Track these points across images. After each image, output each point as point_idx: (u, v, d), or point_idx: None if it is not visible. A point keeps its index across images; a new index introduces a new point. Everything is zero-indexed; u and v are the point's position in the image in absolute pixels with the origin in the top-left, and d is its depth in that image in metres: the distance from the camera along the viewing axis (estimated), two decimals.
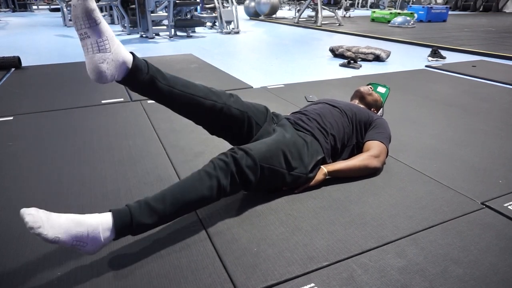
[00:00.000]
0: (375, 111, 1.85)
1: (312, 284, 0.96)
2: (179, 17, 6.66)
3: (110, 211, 0.99)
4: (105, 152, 1.74)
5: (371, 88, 1.86)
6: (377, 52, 4.16)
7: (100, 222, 0.95)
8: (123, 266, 1.01)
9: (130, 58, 1.11)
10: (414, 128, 2.08)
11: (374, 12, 9.41)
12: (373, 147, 1.52)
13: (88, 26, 1.02)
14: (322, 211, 1.28)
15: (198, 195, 1.09)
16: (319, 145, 1.44)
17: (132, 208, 1.01)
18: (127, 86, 1.16)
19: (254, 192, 1.36)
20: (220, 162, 1.15)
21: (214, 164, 1.15)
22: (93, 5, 1.00)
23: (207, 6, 7.69)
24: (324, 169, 1.42)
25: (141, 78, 1.14)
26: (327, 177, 1.43)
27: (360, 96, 1.83)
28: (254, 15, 10.23)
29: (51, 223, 0.87)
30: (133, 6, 6.05)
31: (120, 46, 1.08)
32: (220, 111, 1.30)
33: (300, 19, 8.90)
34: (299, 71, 3.66)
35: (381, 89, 1.91)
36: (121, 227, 0.98)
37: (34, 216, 0.85)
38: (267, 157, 1.22)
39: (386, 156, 1.58)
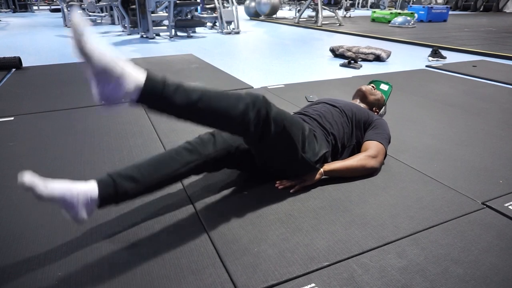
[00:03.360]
0: (376, 110, 1.85)
1: (313, 284, 0.96)
2: (180, 17, 6.66)
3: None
4: (105, 152, 1.74)
5: (373, 87, 1.86)
6: (378, 52, 4.16)
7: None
8: (123, 266, 1.01)
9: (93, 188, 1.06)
10: (414, 128, 2.08)
11: (374, 12, 9.41)
12: (371, 147, 1.52)
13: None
14: (323, 211, 1.28)
15: (225, 107, 1.09)
16: (323, 139, 1.44)
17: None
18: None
19: (263, 169, 1.37)
20: (253, 97, 1.15)
21: (250, 95, 1.15)
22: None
23: (207, 6, 7.69)
24: (321, 168, 1.42)
25: (113, 201, 1.10)
26: (324, 176, 1.43)
27: (362, 95, 1.82)
28: (254, 15, 10.23)
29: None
30: (134, 6, 6.06)
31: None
32: (205, 164, 1.27)
33: (300, 19, 8.90)
34: (299, 71, 3.66)
35: (384, 87, 1.90)
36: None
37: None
38: (291, 124, 1.25)
39: (385, 157, 1.58)
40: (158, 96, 1.01)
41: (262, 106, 1.14)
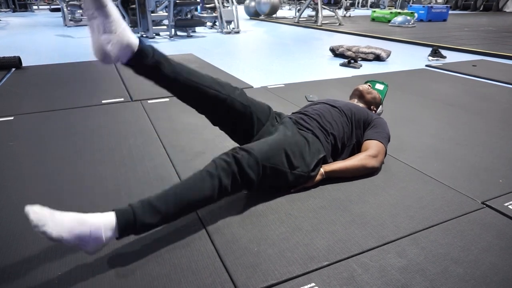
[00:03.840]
0: (374, 109, 1.85)
1: (313, 284, 0.96)
2: (180, 17, 6.66)
3: (113, 210, 0.99)
4: (105, 152, 1.74)
5: (369, 86, 1.86)
6: (378, 51, 4.16)
7: (102, 222, 0.95)
8: (123, 266, 1.01)
9: (135, 42, 1.12)
10: (414, 127, 2.08)
11: (374, 11, 9.41)
12: (371, 146, 1.52)
13: (95, 7, 1.04)
14: (323, 210, 1.28)
15: (200, 195, 1.10)
16: (320, 143, 1.44)
17: (135, 208, 1.01)
18: (132, 69, 1.17)
19: (256, 191, 1.36)
20: (222, 162, 1.15)
21: (216, 164, 1.15)
22: None
23: (207, 6, 7.69)
24: (321, 169, 1.42)
25: (145, 62, 1.15)
26: (324, 177, 1.43)
27: (359, 94, 1.83)
28: (254, 14, 10.22)
29: (55, 221, 0.88)
30: (134, 6, 6.05)
31: (126, 29, 1.09)
32: (223, 102, 1.30)
33: (300, 19, 8.90)
34: (299, 70, 3.66)
35: (380, 86, 1.91)
36: (124, 226, 0.98)
37: (38, 214, 0.87)
38: (269, 156, 1.23)
39: (385, 156, 1.58)
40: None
41: (234, 168, 1.15)
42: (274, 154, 1.25)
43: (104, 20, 1.05)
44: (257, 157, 1.19)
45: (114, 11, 1.06)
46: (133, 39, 1.11)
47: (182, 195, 1.08)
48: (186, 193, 1.08)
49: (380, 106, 1.91)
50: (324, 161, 1.45)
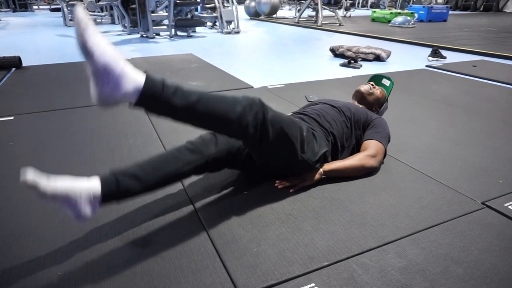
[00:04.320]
0: (377, 109, 1.83)
1: (313, 284, 0.96)
2: (180, 17, 6.66)
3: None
4: (105, 152, 1.74)
5: (372, 86, 1.82)
6: (378, 52, 4.16)
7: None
8: (123, 266, 1.01)
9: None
10: (414, 128, 2.08)
11: (374, 12, 9.41)
12: (371, 146, 1.52)
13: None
14: (323, 211, 1.28)
15: (223, 110, 1.09)
16: (324, 139, 1.44)
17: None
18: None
19: (260, 170, 1.38)
20: (250, 100, 1.15)
21: (246, 98, 1.15)
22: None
23: (207, 6, 7.69)
24: (320, 168, 1.42)
25: (115, 198, 1.10)
26: (323, 176, 1.43)
27: (360, 96, 1.80)
28: (254, 15, 10.22)
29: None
30: (134, 6, 6.05)
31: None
32: (206, 164, 1.28)
33: (300, 19, 8.90)
34: (299, 71, 3.66)
35: (386, 82, 1.87)
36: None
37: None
38: (288, 126, 1.24)
39: (384, 156, 1.58)
40: (157, 98, 0.99)
41: (259, 109, 1.14)
42: (293, 130, 1.26)
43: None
44: (280, 121, 1.21)
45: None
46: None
47: (212, 103, 1.08)
48: (213, 103, 1.08)
49: (385, 103, 1.86)
50: (324, 159, 1.45)
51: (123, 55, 0.97)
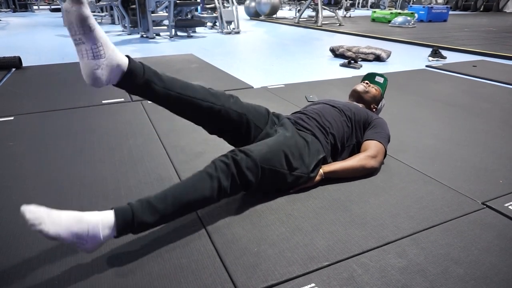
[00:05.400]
0: (375, 107, 1.84)
1: (313, 284, 0.96)
2: (180, 17, 6.66)
3: (112, 209, 0.99)
4: (105, 152, 1.74)
5: (366, 84, 1.82)
6: (378, 52, 4.16)
7: (100, 220, 0.95)
8: (123, 266, 1.01)
9: (125, 62, 1.11)
10: (414, 128, 2.08)
11: (374, 12, 9.41)
12: (371, 147, 1.52)
13: (82, 32, 1.02)
14: (323, 211, 1.28)
15: (199, 195, 1.10)
16: (319, 144, 1.44)
17: (134, 207, 1.01)
18: (124, 89, 1.17)
19: (255, 192, 1.36)
20: (221, 163, 1.15)
21: (216, 165, 1.15)
22: (88, 12, 1.01)
23: (207, 6, 7.69)
24: (320, 170, 1.42)
25: (136, 82, 1.14)
26: (323, 177, 1.43)
27: (357, 96, 1.80)
28: (254, 15, 10.23)
29: (52, 219, 0.88)
30: (134, 6, 6.06)
31: (115, 50, 1.09)
32: (218, 113, 1.30)
33: (300, 19, 8.90)
34: (299, 71, 3.66)
35: (379, 79, 1.87)
36: (122, 225, 0.98)
37: (35, 213, 0.87)
38: (268, 158, 1.23)
39: (385, 156, 1.58)
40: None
41: (233, 169, 1.15)
42: (273, 156, 1.25)
43: (92, 45, 1.04)
44: (255, 159, 1.19)
45: (101, 34, 1.05)
46: (123, 60, 1.11)
47: (181, 195, 1.08)
48: (185, 193, 1.08)
49: (381, 100, 1.87)
50: (323, 161, 1.45)
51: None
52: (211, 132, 1.41)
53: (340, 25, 7.99)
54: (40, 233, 0.87)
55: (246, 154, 1.19)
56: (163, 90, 1.19)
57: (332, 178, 1.45)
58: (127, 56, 1.14)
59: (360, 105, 1.77)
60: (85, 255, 1.05)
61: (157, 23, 6.62)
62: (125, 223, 0.98)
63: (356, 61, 3.87)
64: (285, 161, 1.28)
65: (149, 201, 1.03)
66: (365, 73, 3.48)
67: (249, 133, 1.38)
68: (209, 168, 1.15)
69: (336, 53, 4.33)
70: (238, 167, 1.16)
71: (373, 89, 1.82)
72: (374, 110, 1.83)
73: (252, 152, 1.20)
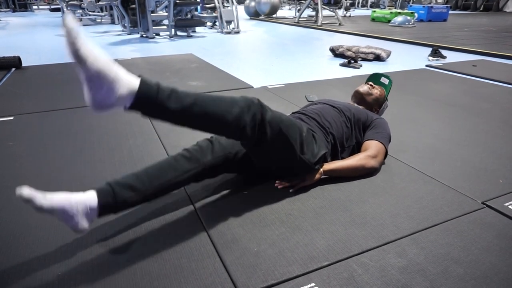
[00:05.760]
0: (377, 109, 1.83)
1: (313, 284, 0.96)
2: (180, 17, 6.66)
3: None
4: (106, 152, 1.74)
5: (371, 86, 1.81)
6: (378, 51, 4.16)
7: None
8: (123, 266, 1.01)
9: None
10: (414, 127, 2.08)
11: (374, 11, 9.41)
12: (371, 147, 1.52)
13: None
14: (323, 210, 1.28)
15: (220, 111, 1.08)
16: (322, 140, 1.44)
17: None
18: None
19: (261, 174, 1.37)
20: (248, 100, 1.14)
21: (243, 98, 1.14)
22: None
23: (207, 6, 7.69)
24: (320, 168, 1.42)
25: (114, 210, 1.11)
26: (323, 176, 1.43)
27: (360, 97, 1.79)
28: (254, 14, 10.22)
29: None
30: (134, 6, 6.05)
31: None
32: (203, 171, 1.28)
33: (300, 19, 8.90)
34: (299, 70, 3.66)
35: (384, 80, 1.86)
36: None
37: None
38: (287, 127, 1.23)
39: (385, 156, 1.58)
40: (152, 101, 1.00)
41: (257, 110, 1.14)
42: (292, 131, 1.25)
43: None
44: (279, 121, 1.20)
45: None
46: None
47: (208, 104, 1.07)
48: (210, 105, 1.07)
49: (385, 102, 1.85)
50: (324, 159, 1.44)
51: (116, 62, 0.97)
52: (214, 177, 1.41)
53: (340, 24, 7.99)
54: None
55: (272, 114, 1.19)
56: (140, 196, 1.14)
57: (332, 177, 1.45)
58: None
59: (361, 107, 1.76)
60: (85, 255, 1.05)
61: (157, 22, 6.61)
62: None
63: (356, 61, 3.87)
64: (299, 138, 1.28)
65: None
66: (364, 73, 3.49)
67: (246, 158, 1.37)
68: (234, 98, 1.13)
69: (336, 52, 4.33)
70: (262, 114, 1.15)
71: (377, 91, 1.80)
72: (376, 112, 1.82)
73: (275, 116, 1.20)
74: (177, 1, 6.26)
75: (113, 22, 8.49)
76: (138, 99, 0.98)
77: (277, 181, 1.41)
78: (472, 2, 14.08)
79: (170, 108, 1.02)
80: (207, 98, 1.09)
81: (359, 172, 1.48)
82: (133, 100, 0.97)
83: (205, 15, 7.33)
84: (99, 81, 0.93)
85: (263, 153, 1.27)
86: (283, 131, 1.22)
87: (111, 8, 8.51)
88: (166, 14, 6.27)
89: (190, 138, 1.92)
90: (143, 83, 0.98)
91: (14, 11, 12.79)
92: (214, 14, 7.21)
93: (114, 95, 0.95)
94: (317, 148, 1.37)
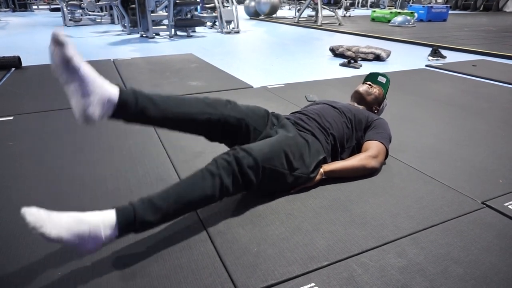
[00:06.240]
0: (377, 108, 1.83)
1: (313, 284, 0.96)
2: (179, 17, 6.66)
3: (113, 208, 0.99)
4: (105, 152, 1.74)
5: (369, 85, 1.82)
6: (377, 51, 4.16)
7: (101, 220, 0.94)
8: (123, 266, 1.01)
9: (115, 94, 1.08)
10: (414, 127, 2.08)
11: (374, 11, 9.41)
12: (372, 147, 1.52)
13: (68, 73, 1.01)
14: (323, 210, 1.28)
15: (201, 193, 1.09)
16: (320, 144, 1.44)
17: (135, 206, 1.00)
18: (120, 120, 1.14)
19: (256, 192, 1.36)
20: (222, 161, 1.15)
21: (217, 163, 1.15)
22: (71, 52, 0.98)
23: (207, 5, 7.68)
24: (321, 169, 1.42)
25: (130, 112, 1.12)
26: (324, 177, 1.43)
27: (359, 97, 1.80)
28: (254, 14, 10.22)
29: (52, 222, 0.88)
30: (133, 5, 6.05)
31: (104, 85, 1.06)
32: (216, 123, 1.29)
33: (300, 19, 8.89)
34: (299, 70, 3.66)
35: (382, 79, 1.86)
36: (124, 224, 0.97)
37: (35, 216, 0.86)
38: (269, 157, 1.23)
39: (386, 156, 1.58)
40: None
41: (234, 167, 1.15)
42: (274, 156, 1.25)
43: (80, 83, 1.02)
44: (256, 158, 1.19)
45: (87, 71, 1.02)
46: (113, 92, 1.07)
47: (183, 194, 1.08)
48: (187, 191, 1.08)
49: (384, 101, 1.86)
50: (323, 162, 1.44)
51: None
52: (211, 140, 1.40)
53: (339, 24, 7.99)
54: (41, 236, 0.86)
55: (247, 153, 1.18)
56: (159, 114, 1.18)
57: (332, 178, 1.45)
58: (118, 85, 1.11)
59: (361, 107, 1.77)
60: (86, 255, 1.05)
61: (157, 22, 6.61)
62: (127, 222, 0.98)
63: (356, 61, 3.87)
64: (285, 161, 1.28)
65: (151, 200, 1.03)
66: (364, 73, 3.49)
67: (248, 137, 1.37)
68: (210, 166, 1.15)
69: (336, 52, 4.33)
70: (240, 165, 1.16)
71: (376, 90, 1.81)
72: (376, 111, 1.83)
73: (253, 150, 1.20)
74: (177, 1, 6.26)
75: (113, 22, 8.49)
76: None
77: None
78: (472, 2, 14.08)
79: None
80: (183, 187, 1.09)
81: (360, 173, 1.48)
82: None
83: (205, 15, 7.33)
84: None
85: (257, 189, 1.27)
86: (267, 167, 1.22)
87: (111, 8, 8.51)
88: (166, 14, 6.27)
89: (190, 138, 1.91)
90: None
91: (14, 11, 12.78)
92: (214, 14, 7.21)
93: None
94: (310, 157, 1.36)
